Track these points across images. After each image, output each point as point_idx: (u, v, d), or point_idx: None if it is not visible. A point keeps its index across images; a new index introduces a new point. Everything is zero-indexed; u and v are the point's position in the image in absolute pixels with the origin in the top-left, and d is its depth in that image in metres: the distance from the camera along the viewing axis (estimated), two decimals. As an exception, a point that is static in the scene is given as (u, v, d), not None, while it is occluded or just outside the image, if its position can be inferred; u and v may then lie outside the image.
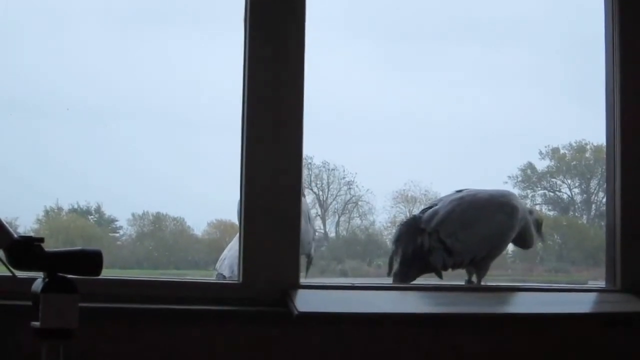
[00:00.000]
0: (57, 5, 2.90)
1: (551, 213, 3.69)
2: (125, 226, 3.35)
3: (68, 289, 1.70)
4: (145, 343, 2.18)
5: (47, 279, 1.70)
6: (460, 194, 2.88)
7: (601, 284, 2.74)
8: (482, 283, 2.82)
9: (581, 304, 2.62)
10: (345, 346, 2.32)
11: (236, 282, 2.39)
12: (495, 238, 2.83)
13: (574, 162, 3.65)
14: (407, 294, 2.60)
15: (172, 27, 3.00)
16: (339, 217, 3.55)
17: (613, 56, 2.70)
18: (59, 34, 2.90)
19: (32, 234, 1.76)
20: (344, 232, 3.59)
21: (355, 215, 3.54)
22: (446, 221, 2.80)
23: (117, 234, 3.37)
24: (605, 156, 2.77)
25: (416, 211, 3.00)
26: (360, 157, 3.23)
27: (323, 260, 3.45)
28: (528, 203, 3.39)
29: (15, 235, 1.72)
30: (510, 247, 3.10)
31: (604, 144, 2.76)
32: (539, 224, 2.97)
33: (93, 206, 3.31)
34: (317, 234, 3.23)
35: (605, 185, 2.82)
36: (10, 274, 1.74)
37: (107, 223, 3.35)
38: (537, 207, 2.99)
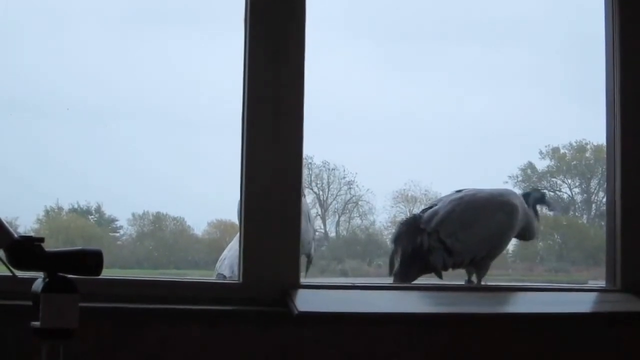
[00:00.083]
0: (57, 5, 2.90)
1: (551, 213, 3.69)
2: (126, 226, 3.36)
3: (68, 288, 1.69)
4: (146, 343, 2.18)
5: (47, 279, 1.70)
6: (459, 194, 2.88)
7: (601, 283, 2.74)
8: (482, 283, 2.82)
9: (581, 303, 2.62)
10: (345, 346, 2.32)
11: (236, 282, 2.39)
12: (495, 238, 2.83)
13: (574, 162, 3.65)
14: (407, 293, 2.60)
15: (172, 27, 3.00)
16: (339, 217, 3.55)
17: (613, 56, 2.70)
18: (59, 34, 2.90)
19: (32, 234, 1.76)
20: (344, 232, 3.60)
21: (355, 215, 3.55)
22: (446, 221, 2.81)
23: (117, 234, 3.37)
24: (605, 156, 2.77)
25: (416, 211, 3.00)
26: (361, 157, 3.23)
27: (323, 260, 3.45)
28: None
29: (16, 235, 1.72)
30: (511, 246, 3.11)
31: (604, 143, 2.76)
32: (542, 198, 2.97)
33: (93, 206, 3.31)
34: (317, 233, 3.23)
35: (605, 185, 2.82)
36: (10, 274, 1.74)
37: (107, 223, 3.35)
38: (537, 207, 2.98)
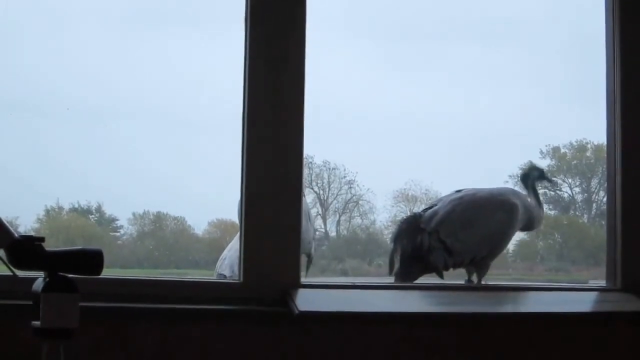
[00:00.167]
0: (57, 5, 2.90)
1: (552, 212, 3.70)
2: (126, 225, 3.36)
3: (69, 288, 1.69)
4: (146, 342, 2.18)
5: (47, 279, 1.70)
6: (459, 194, 2.88)
7: (602, 283, 2.74)
8: (483, 282, 2.82)
9: (582, 303, 2.62)
10: (345, 345, 2.32)
11: (237, 281, 2.39)
12: (495, 237, 2.83)
13: (575, 162, 3.65)
14: (407, 293, 2.60)
15: (172, 27, 3.01)
16: (340, 217, 3.55)
17: (614, 55, 2.70)
18: (59, 34, 2.90)
19: (32, 234, 1.76)
20: (345, 232, 3.60)
21: (355, 214, 3.55)
22: (446, 221, 2.81)
23: (118, 234, 3.37)
24: (605, 155, 2.77)
25: (417, 210, 3.00)
26: (361, 157, 3.24)
27: (324, 260, 3.46)
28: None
29: (16, 235, 1.72)
30: (511, 246, 3.10)
31: (605, 143, 2.76)
32: (542, 175, 2.96)
33: (94, 206, 3.31)
34: (317, 233, 3.23)
35: (605, 185, 2.81)
36: (10, 274, 1.74)
37: (107, 222, 3.35)
38: (534, 227, 2.99)
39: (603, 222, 3.12)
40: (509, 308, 2.59)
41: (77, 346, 1.73)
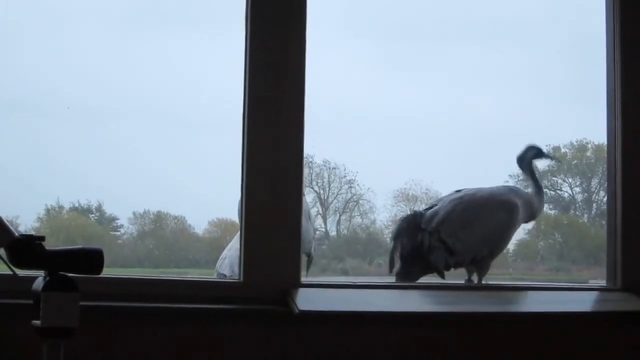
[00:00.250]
0: (57, 5, 2.90)
1: (552, 212, 3.70)
2: (126, 225, 3.36)
3: (69, 287, 1.69)
4: (146, 342, 2.18)
5: (47, 278, 1.70)
6: (459, 194, 2.88)
7: (602, 282, 2.74)
8: (483, 282, 2.82)
9: (582, 302, 2.62)
10: (346, 345, 2.32)
11: (237, 280, 2.39)
12: (495, 236, 2.83)
13: (575, 161, 3.65)
14: (407, 292, 2.60)
15: (172, 27, 3.01)
16: (340, 216, 3.56)
17: (614, 55, 2.70)
18: (59, 34, 2.91)
19: (33, 233, 1.76)
20: (345, 231, 3.60)
21: (356, 214, 3.55)
22: (446, 221, 2.80)
23: (118, 233, 3.37)
24: (606, 155, 2.77)
25: (417, 210, 3.00)
26: (361, 156, 3.24)
27: (324, 259, 3.46)
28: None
29: (16, 234, 1.72)
30: (511, 246, 3.10)
31: (605, 142, 2.76)
32: (539, 153, 2.94)
33: (94, 205, 3.31)
34: (317, 232, 3.23)
35: (606, 184, 2.82)
36: (11, 273, 1.74)
37: (108, 222, 3.36)
38: (537, 216, 2.99)
39: (603, 222, 3.12)
40: (509, 308, 2.59)
41: (77, 345, 1.73)
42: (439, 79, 3.25)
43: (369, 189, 3.50)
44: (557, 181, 3.64)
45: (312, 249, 2.96)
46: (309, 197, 3.23)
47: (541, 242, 3.72)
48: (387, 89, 3.20)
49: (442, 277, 2.81)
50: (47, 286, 1.68)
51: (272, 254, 2.35)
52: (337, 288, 2.50)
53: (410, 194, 3.52)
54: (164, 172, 3.09)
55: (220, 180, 2.95)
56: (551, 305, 2.54)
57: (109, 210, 3.32)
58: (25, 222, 3.00)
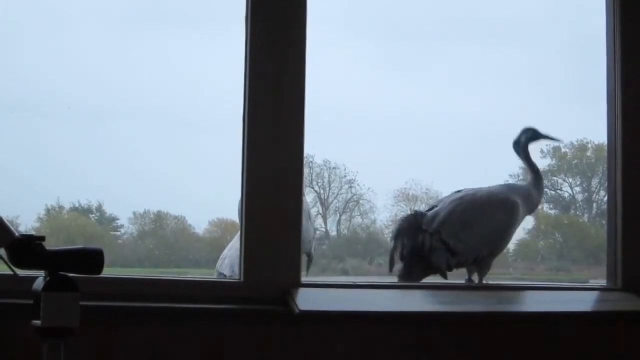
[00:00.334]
0: (57, 5, 2.90)
1: (552, 211, 3.70)
2: (126, 225, 3.36)
3: (69, 287, 1.69)
4: (146, 341, 2.18)
5: (48, 278, 1.70)
6: (459, 194, 2.87)
7: (602, 282, 2.74)
8: (483, 282, 2.82)
9: (582, 302, 2.62)
10: (346, 345, 2.32)
11: (237, 280, 2.39)
12: (496, 236, 2.82)
13: (575, 161, 3.65)
14: (408, 292, 2.60)
15: (172, 27, 3.01)
16: (340, 216, 3.56)
17: (614, 55, 2.70)
18: (59, 34, 2.91)
19: (33, 233, 1.76)
20: (345, 231, 3.60)
21: (356, 213, 3.55)
22: (447, 222, 2.80)
23: (118, 233, 3.37)
24: (606, 155, 2.77)
25: (417, 209, 3.00)
26: (361, 156, 3.24)
27: (324, 259, 3.46)
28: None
29: (17, 234, 1.72)
30: (512, 245, 3.10)
31: (605, 142, 2.76)
32: (535, 134, 2.91)
33: (94, 205, 3.32)
34: (317, 232, 3.23)
35: (606, 184, 2.81)
36: (11, 273, 1.74)
37: (108, 221, 3.36)
38: (538, 206, 2.98)
39: (603, 222, 3.12)
40: (509, 307, 2.59)
41: (78, 345, 1.73)
42: (439, 79, 3.25)
43: (369, 188, 3.51)
44: (557, 181, 3.64)
45: (313, 248, 2.96)
46: (309, 197, 3.24)
47: (541, 242, 3.72)
48: (387, 89, 3.21)
49: (445, 277, 2.81)
50: (47, 286, 1.68)
51: (272, 254, 2.35)
52: (337, 288, 2.50)
53: (410, 193, 3.53)
54: (164, 172, 3.09)
55: (220, 180, 2.95)
56: (551, 305, 2.54)
57: (109, 210, 3.32)
58: (26, 222, 3.01)
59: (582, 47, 3.21)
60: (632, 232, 2.65)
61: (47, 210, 3.21)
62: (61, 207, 3.25)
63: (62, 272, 1.71)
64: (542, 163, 3.20)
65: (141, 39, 3.00)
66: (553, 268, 3.67)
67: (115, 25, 2.96)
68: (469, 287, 2.78)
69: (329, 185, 3.49)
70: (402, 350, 2.35)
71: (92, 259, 1.75)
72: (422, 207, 2.98)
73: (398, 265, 2.82)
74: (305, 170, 2.55)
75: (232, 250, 2.88)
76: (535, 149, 3.01)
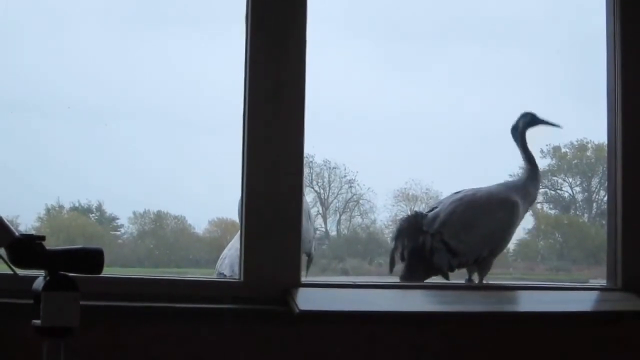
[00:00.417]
0: (57, 5, 2.90)
1: (552, 211, 3.70)
2: (127, 224, 3.36)
3: (69, 287, 1.69)
4: (146, 341, 2.18)
5: (48, 277, 1.70)
6: (459, 195, 2.88)
7: (602, 282, 2.74)
8: (484, 282, 2.82)
9: (582, 302, 2.62)
10: (346, 345, 2.32)
11: (237, 280, 2.39)
12: (497, 236, 2.82)
13: (575, 161, 3.65)
14: (408, 292, 2.60)
15: (172, 27, 3.01)
16: (340, 216, 3.56)
17: (615, 55, 2.70)
18: (59, 34, 2.91)
19: (33, 232, 1.76)
20: (345, 231, 3.60)
21: (356, 213, 3.55)
22: (448, 223, 2.80)
23: (118, 232, 3.37)
24: (606, 154, 2.77)
25: (417, 210, 3.00)
26: (361, 156, 3.24)
27: (324, 259, 3.46)
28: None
29: (17, 234, 1.72)
30: (512, 245, 3.09)
31: (605, 142, 2.76)
32: (533, 120, 2.89)
33: (94, 204, 3.32)
34: (317, 232, 3.23)
35: (606, 184, 2.82)
36: (11, 272, 1.74)
37: (108, 221, 3.36)
38: (538, 206, 2.98)
39: (603, 222, 3.12)
40: (510, 307, 2.59)
41: (78, 345, 1.73)
42: (439, 79, 3.25)
43: (369, 188, 3.51)
44: (557, 181, 3.64)
45: (312, 248, 2.96)
46: (309, 197, 3.23)
47: (541, 242, 3.72)
48: (387, 89, 3.20)
49: (447, 278, 2.81)
50: (47, 286, 1.68)
51: (272, 254, 2.35)
52: (337, 288, 2.50)
53: (410, 193, 3.52)
54: (164, 172, 3.09)
55: (220, 180, 2.95)
56: (551, 305, 2.54)
57: (109, 210, 3.32)
58: (26, 222, 3.01)
59: (582, 47, 3.21)
60: (632, 232, 2.65)
61: (47, 210, 3.21)
62: (61, 207, 3.25)
63: (62, 272, 1.71)
64: (542, 163, 3.20)
65: (141, 39, 3.00)
66: (553, 268, 3.66)
67: (115, 25, 2.96)
68: (469, 287, 2.78)
69: (329, 185, 3.49)
70: (402, 350, 2.35)
71: (92, 258, 1.75)
72: (422, 207, 2.99)
73: (398, 266, 2.83)
74: (305, 170, 2.55)
75: (232, 250, 2.88)
76: (535, 148, 3.01)
